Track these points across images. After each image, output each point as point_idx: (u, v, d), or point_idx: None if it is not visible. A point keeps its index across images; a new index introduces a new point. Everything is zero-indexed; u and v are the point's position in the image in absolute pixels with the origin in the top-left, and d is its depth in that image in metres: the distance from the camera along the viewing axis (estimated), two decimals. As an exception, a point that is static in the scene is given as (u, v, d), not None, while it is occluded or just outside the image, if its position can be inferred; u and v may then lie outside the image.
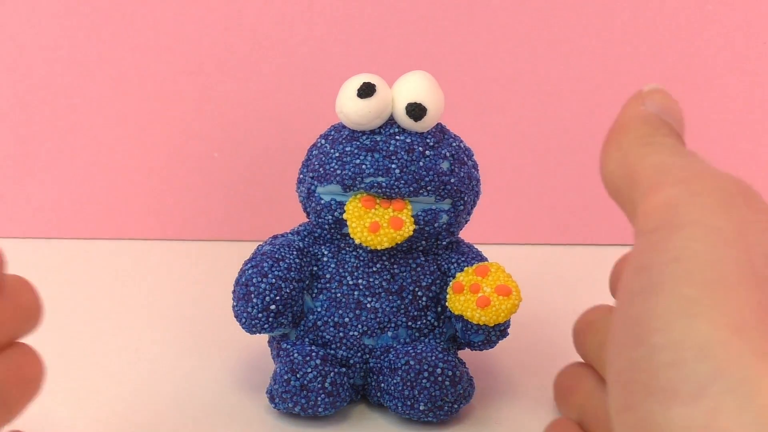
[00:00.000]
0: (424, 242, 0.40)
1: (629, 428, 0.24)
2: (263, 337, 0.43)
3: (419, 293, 0.40)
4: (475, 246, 0.43)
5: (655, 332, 0.24)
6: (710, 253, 0.24)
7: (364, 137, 0.39)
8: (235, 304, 0.40)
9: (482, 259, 0.42)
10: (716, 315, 0.23)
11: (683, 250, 0.24)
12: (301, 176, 0.41)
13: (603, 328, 0.37)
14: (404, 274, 0.40)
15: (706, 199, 0.26)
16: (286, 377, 0.39)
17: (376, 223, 0.38)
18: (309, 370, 0.39)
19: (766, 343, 0.23)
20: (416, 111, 0.39)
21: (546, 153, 0.59)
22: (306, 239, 0.41)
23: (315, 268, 0.41)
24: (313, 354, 0.39)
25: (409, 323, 0.40)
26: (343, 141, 0.39)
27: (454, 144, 0.40)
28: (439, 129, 0.40)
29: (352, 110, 0.39)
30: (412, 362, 0.39)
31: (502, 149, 0.59)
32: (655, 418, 0.23)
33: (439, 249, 0.41)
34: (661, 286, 0.24)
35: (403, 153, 0.39)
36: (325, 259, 0.41)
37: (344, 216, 0.39)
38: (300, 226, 0.42)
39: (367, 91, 0.39)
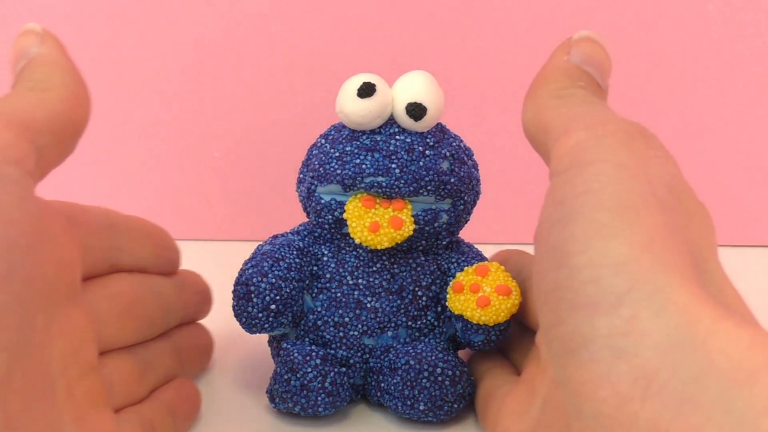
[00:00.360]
0: (424, 242, 0.40)
1: (560, 341, 0.27)
2: (263, 337, 0.43)
3: (419, 293, 0.40)
4: (476, 246, 0.43)
5: (575, 255, 0.27)
6: (617, 183, 0.27)
7: (364, 137, 0.39)
8: (235, 303, 0.40)
9: (482, 258, 0.42)
10: (628, 235, 0.26)
11: (593, 183, 0.28)
12: (301, 176, 0.41)
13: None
14: (404, 273, 0.40)
15: (611, 140, 0.29)
16: (286, 377, 0.39)
17: (376, 223, 0.38)
18: (309, 369, 0.39)
19: (672, 256, 0.26)
20: (416, 111, 0.39)
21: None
22: (306, 239, 0.41)
23: (315, 268, 0.41)
24: (313, 354, 0.39)
25: (409, 323, 0.40)
26: (344, 141, 0.39)
27: (454, 144, 0.40)
28: (439, 129, 0.40)
29: (353, 110, 0.39)
30: (412, 362, 0.39)
31: (503, 149, 0.59)
32: (581, 329, 0.26)
33: (439, 249, 0.41)
34: (577, 214, 0.27)
35: (403, 153, 0.39)
36: (325, 258, 0.41)
37: (344, 216, 0.39)
38: (300, 225, 0.42)
39: (367, 90, 0.39)
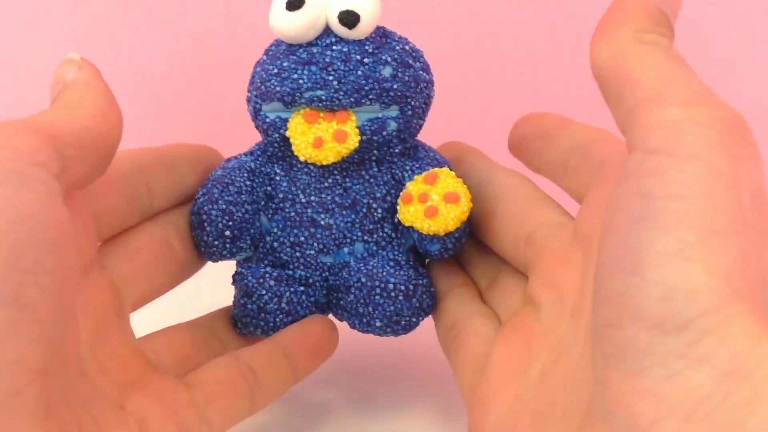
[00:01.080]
0: (375, 152, 0.39)
1: (613, 344, 0.26)
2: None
3: (374, 205, 0.39)
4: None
5: (651, 268, 0.26)
6: (709, 196, 0.26)
7: (301, 50, 0.38)
8: (192, 233, 0.40)
9: (440, 164, 0.40)
10: (709, 263, 0.25)
11: (685, 189, 0.26)
12: (249, 95, 0.40)
13: (560, 137, 0.38)
14: (357, 187, 0.39)
15: (709, 132, 0.27)
16: (242, 301, 0.39)
17: (319, 138, 0.37)
18: (263, 292, 0.38)
19: (746, 286, 0.26)
20: (349, 18, 0.37)
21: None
22: (259, 159, 0.40)
23: (269, 188, 0.40)
24: (267, 276, 0.39)
25: (365, 237, 0.39)
26: (281, 56, 0.38)
27: (397, 47, 0.38)
28: (381, 33, 0.38)
29: (283, 24, 0.37)
30: (363, 279, 0.38)
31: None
32: (639, 341, 0.26)
33: (393, 157, 0.39)
34: (662, 223, 0.26)
35: (339, 63, 0.37)
36: (277, 178, 0.40)
37: (287, 133, 0.38)
38: (255, 145, 0.41)
39: (295, 3, 0.37)
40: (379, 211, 0.39)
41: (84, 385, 0.32)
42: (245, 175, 0.40)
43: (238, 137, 0.52)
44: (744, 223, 0.26)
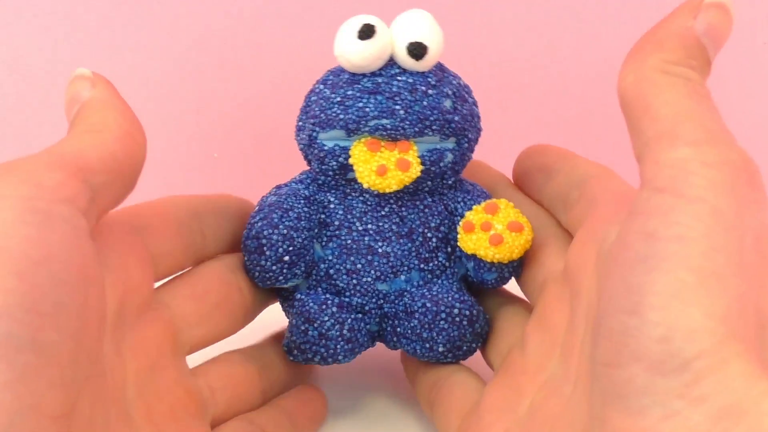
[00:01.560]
0: (430, 182, 0.40)
1: (612, 382, 0.27)
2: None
3: (429, 234, 0.40)
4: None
5: (651, 308, 0.26)
6: (710, 237, 0.27)
7: (366, 80, 0.38)
8: (246, 258, 0.39)
9: (488, 196, 0.41)
10: (707, 305, 0.26)
11: (688, 230, 0.27)
12: (301, 123, 0.40)
13: (561, 171, 0.39)
14: (413, 216, 0.40)
15: (716, 173, 0.27)
16: (303, 328, 0.38)
17: (383, 166, 0.38)
18: (326, 318, 0.38)
19: (743, 327, 0.26)
20: (417, 50, 0.38)
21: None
22: (310, 187, 0.40)
23: (323, 216, 0.40)
24: (329, 302, 0.39)
25: (421, 265, 0.40)
26: (344, 85, 0.39)
27: (454, 82, 0.40)
28: (439, 67, 0.40)
29: (353, 53, 0.38)
30: (428, 304, 0.38)
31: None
32: (638, 380, 0.26)
33: (444, 189, 0.40)
34: (663, 263, 0.27)
35: (406, 93, 0.38)
36: (332, 206, 0.40)
37: (350, 161, 0.38)
38: (302, 174, 0.41)
39: (367, 32, 0.38)
40: (434, 240, 0.40)
41: (125, 430, 0.31)
42: (302, 201, 0.40)
43: (238, 138, 0.51)
44: (743, 265, 0.27)
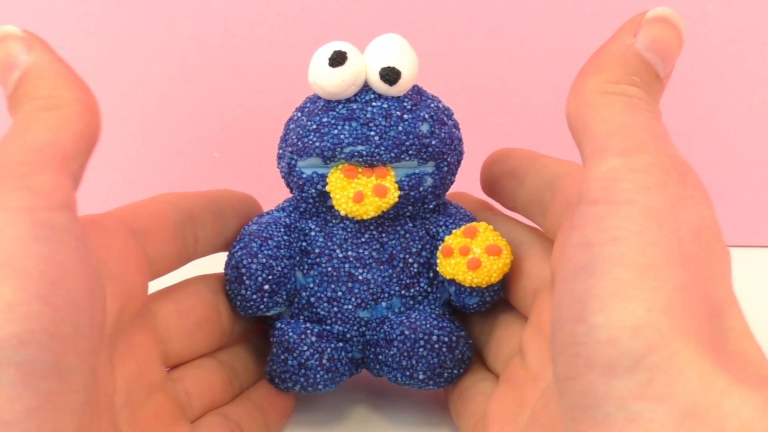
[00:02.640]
0: (410, 207, 0.39)
1: (574, 395, 0.27)
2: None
3: (410, 260, 0.40)
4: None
5: (594, 312, 0.26)
6: (643, 234, 0.27)
7: (340, 106, 0.38)
8: (228, 287, 0.39)
9: (470, 219, 0.41)
10: (647, 298, 0.26)
11: (620, 230, 0.27)
12: (281, 152, 0.40)
13: (530, 174, 0.39)
14: (393, 242, 0.40)
15: (644, 176, 0.28)
16: (282, 357, 0.38)
17: (360, 193, 0.38)
18: (305, 348, 0.38)
19: (690, 319, 0.26)
20: (390, 75, 0.38)
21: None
22: (292, 215, 0.40)
23: (304, 244, 0.40)
24: (308, 332, 0.38)
25: (402, 291, 0.40)
26: (319, 112, 0.38)
27: (432, 105, 0.39)
28: (416, 91, 0.39)
29: (325, 80, 0.38)
30: (407, 332, 0.38)
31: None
32: (596, 388, 0.26)
33: (426, 213, 0.40)
34: (600, 266, 0.27)
35: (380, 119, 0.38)
36: (312, 233, 0.40)
37: (327, 188, 0.38)
38: (285, 201, 0.41)
39: (338, 59, 0.38)
40: (415, 266, 0.40)
41: None
42: (282, 230, 0.40)
43: (238, 138, 0.51)
44: (683, 256, 0.27)
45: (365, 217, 0.38)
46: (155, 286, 0.38)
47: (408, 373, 0.38)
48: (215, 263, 0.41)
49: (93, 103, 0.32)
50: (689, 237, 0.27)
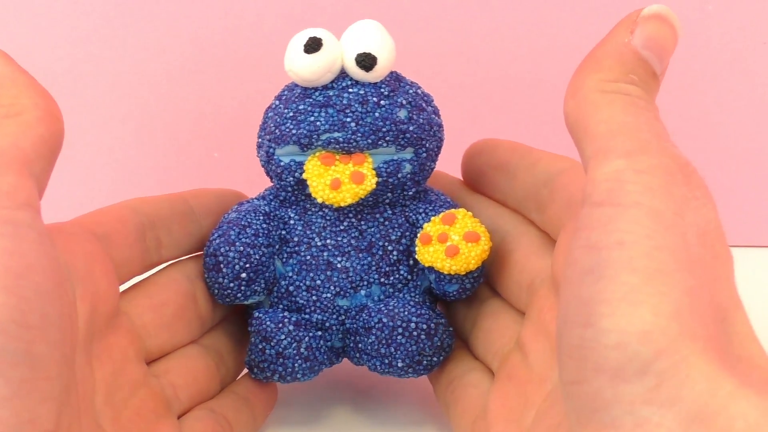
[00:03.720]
0: (389, 194, 0.39)
1: (581, 399, 0.27)
2: None
3: (389, 248, 0.39)
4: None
5: (603, 316, 0.26)
6: (651, 238, 0.26)
7: (317, 93, 0.38)
8: (206, 275, 0.39)
9: (451, 206, 0.40)
10: (656, 303, 0.26)
11: (627, 234, 0.27)
12: (260, 140, 0.40)
13: (521, 168, 0.39)
14: (372, 229, 0.39)
15: (649, 178, 0.27)
16: (260, 346, 0.38)
17: (337, 180, 0.37)
18: (282, 337, 0.38)
19: (698, 323, 0.26)
20: (366, 61, 0.38)
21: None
22: (272, 203, 0.40)
23: (283, 232, 0.40)
24: (286, 320, 0.38)
25: (382, 279, 0.39)
26: (296, 99, 0.38)
27: (410, 91, 0.39)
28: (394, 77, 0.39)
29: (301, 67, 0.38)
30: (385, 320, 0.38)
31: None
32: (604, 392, 0.26)
33: (406, 200, 0.40)
34: (608, 270, 0.26)
35: (357, 105, 0.38)
36: (292, 221, 0.40)
37: (304, 176, 0.38)
38: (266, 190, 0.41)
39: (313, 46, 0.37)
40: (395, 253, 0.39)
41: None
42: (261, 218, 0.39)
43: (238, 138, 0.51)
44: (690, 260, 0.27)
45: (342, 205, 0.38)
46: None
47: (387, 361, 0.38)
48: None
49: (54, 108, 0.32)
50: (695, 240, 0.27)
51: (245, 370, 0.41)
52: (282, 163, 0.38)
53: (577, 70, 0.31)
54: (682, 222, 0.27)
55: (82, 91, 0.57)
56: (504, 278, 0.39)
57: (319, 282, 0.39)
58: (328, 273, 0.39)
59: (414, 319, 0.38)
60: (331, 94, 0.38)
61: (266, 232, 0.39)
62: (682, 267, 0.27)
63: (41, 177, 0.31)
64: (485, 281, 0.40)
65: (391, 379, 0.44)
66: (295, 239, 0.39)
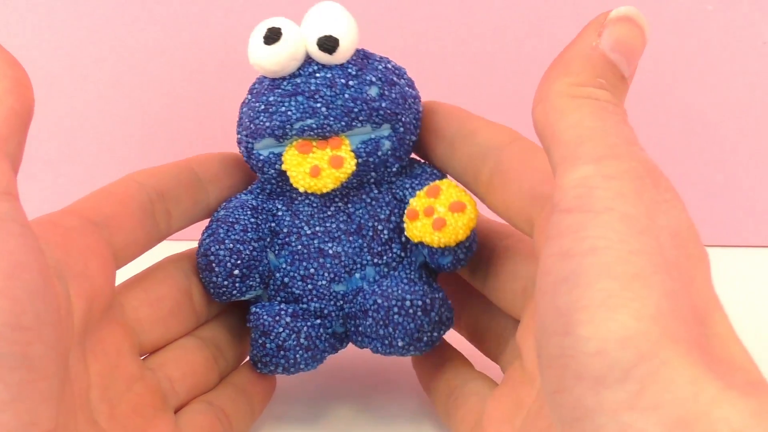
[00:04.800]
0: (373, 174, 0.38)
1: (564, 408, 0.26)
2: None
3: (379, 228, 0.39)
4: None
5: (581, 324, 0.25)
6: (625, 243, 0.26)
7: (285, 83, 0.38)
8: (201, 275, 0.39)
9: (437, 177, 0.40)
10: (635, 307, 0.25)
11: (600, 240, 0.26)
12: (239, 136, 0.40)
13: (458, 137, 0.38)
14: (360, 211, 0.39)
15: (618, 183, 0.27)
16: (260, 341, 0.38)
17: (316, 167, 0.37)
18: (281, 329, 0.38)
19: (678, 326, 0.25)
20: (327, 43, 0.37)
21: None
22: (259, 196, 0.40)
23: (273, 224, 0.39)
24: (282, 313, 0.38)
25: (375, 260, 0.39)
26: (266, 91, 0.38)
27: (380, 67, 0.38)
28: (361, 55, 0.38)
29: (263, 59, 0.37)
30: (380, 300, 0.37)
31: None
32: (585, 400, 0.25)
33: (391, 177, 0.39)
34: (583, 278, 0.26)
35: (325, 89, 0.37)
36: (280, 213, 0.39)
37: (283, 167, 0.38)
38: (253, 184, 0.41)
39: (272, 36, 0.37)
40: (385, 232, 0.39)
41: None
42: (248, 213, 0.39)
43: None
44: (666, 263, 0.26)
45: (324, 191, 0.37)
46: (128, 270, 0.38)
47: (387, 342, 0.38)
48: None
49: (23, 77, 0.31)
50: (669, 243, 0.27)
51: (244, 361, 0.41)
52: (261, 157, 0.38)
53: (545, 74, 0.31)
54: (654, 225, 0.27)
55: (82, 91, 0.58)
56: (498, 287, 0.39)
57: (312, 270, 0.39)
58: (321, 260, 0.39)
59: (408, 296, 0.37)
60: (299, 81, 0.37)
61: (255, 226, 0.39)
62: (659, 270, 0.26)
63: (16, 156, 0.30)
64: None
65: (389, 375, 0.44)
66: (285, 230, 0.39)
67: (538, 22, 0.56)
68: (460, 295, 0.41)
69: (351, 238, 0.39)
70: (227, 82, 0.57)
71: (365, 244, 0.39)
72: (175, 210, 0.39)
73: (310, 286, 0.39)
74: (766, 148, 0.58)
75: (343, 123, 0.37)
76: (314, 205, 0.39)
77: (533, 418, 0.33)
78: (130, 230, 0.37)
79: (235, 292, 0.39)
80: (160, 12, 0.56)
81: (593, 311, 0.25)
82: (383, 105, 0.37)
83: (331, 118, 0.37)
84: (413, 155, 0.40)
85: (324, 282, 0.39)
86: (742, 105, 0.57)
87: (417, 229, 0.37)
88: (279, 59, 0.37)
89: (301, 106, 0.37)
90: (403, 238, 0.39)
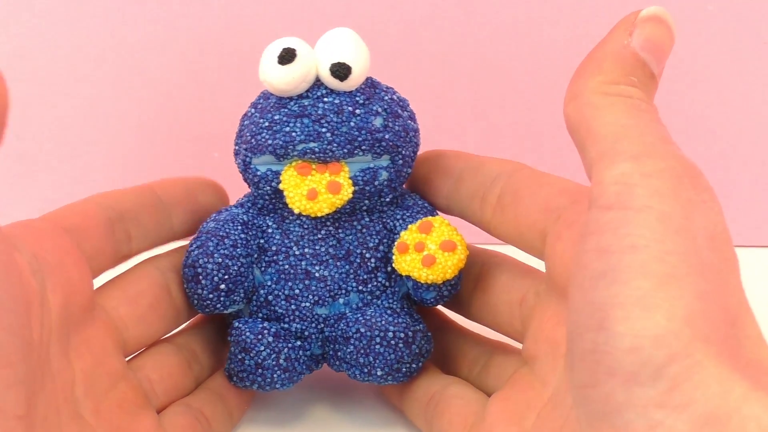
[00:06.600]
0: (366, 201, 0.39)
1: (594, 403, 0.27)
2: None
3: (367, 255, 0.39)
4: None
5: (616, 320, 0.26)
6: (662, 242, 0.27)
7: (292, 103, 0.38)
8: (185, 286, 0.39)
9: (428, 212, 0.40)
10: (669, 307, 0.26)
11: (638, 238, 0.27)
12: (236, 148, 0.40)
13: (467, 171, 0.39)
14: (350, 237, 0.39)
15: (657, 182, 0.28)
16: (239, 357, 0.38)
17: (313, 190, 0.37)
18: (262, 348, 0.38)
19: (710, 328, 0.26)
20: (340, 71, 0.37)
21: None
22: (250, 211, 0.40)
23: (261, 241, 0.40)
24: (265, 331, 0.38)
25: (360, 287, 0.39)
26: (272, 109, 0.38)
27: (386, 98, 0.39)
28: (369, 84, 0.39)
29: (275, 78, 0.37)
30: (362, 329, 0.38)
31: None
32: (617, 396, 0.26)
33: (383, 206, 0.40)
34: (621, 275, 0.27)
35: (332, 115, 0.37)
36: (270, 230, 0.40)
37: (281, 186, 0.38)
38: (244, 197, 0.41)
39: (287, 57, 0.37)
40: (373, 260, 0.39)
41: (77, 428, 0.32)
42: (239, 227, 0.39)
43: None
44: (701, 264, 0.27)
45: (319, 215, 0.38)
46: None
47: (366, 370, 0.38)
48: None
49: None
50: (705, 244, 0.27)
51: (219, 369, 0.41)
52: (259, 173, 0.39)
53: (576, 72, 0.32)
54: (691, 226, 0.27)
55: (82, 91, 0.57)
56: (491, 302, 0.39)
57: (297, 291, 0.39)
58: (307, 282, 0.39)
59: (392, 328, 0.38)
60: (306, 103, 0.38)
61: (245, 242, 0.39)
62: (694, 271, 0.27)
63: None
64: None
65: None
66: (273, 248, 0.39)
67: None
68: (429, 327, 0.42)
69: (339, 263, 0.39)
70: (226, 83, 0.57)
71: (352, 271, 0.39)
72: (135, 231, 0.39)
73: (293, 307, 0.39)
74: (766, 148, 0.59)
75: (345, 150, 0.37)
76: (305, 226, 0.39)
77: (545, 419, 0.33)
78: (98, 240, 0.37)
79: (218, 305, 0.39)
80: (159, 12, 0.56)
81: (629, 308, 0.26)
82: (386, 137, 0.38)
83: (335, 144, 0.37)
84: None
85: (308, 304, 0.39)
86: (742, 105, 0.58)
87: (406, 263, 0.38)
88: (291, 80, 0.37)
89: (306, 129, 0.37)
90: (389, 268, 0.40)
